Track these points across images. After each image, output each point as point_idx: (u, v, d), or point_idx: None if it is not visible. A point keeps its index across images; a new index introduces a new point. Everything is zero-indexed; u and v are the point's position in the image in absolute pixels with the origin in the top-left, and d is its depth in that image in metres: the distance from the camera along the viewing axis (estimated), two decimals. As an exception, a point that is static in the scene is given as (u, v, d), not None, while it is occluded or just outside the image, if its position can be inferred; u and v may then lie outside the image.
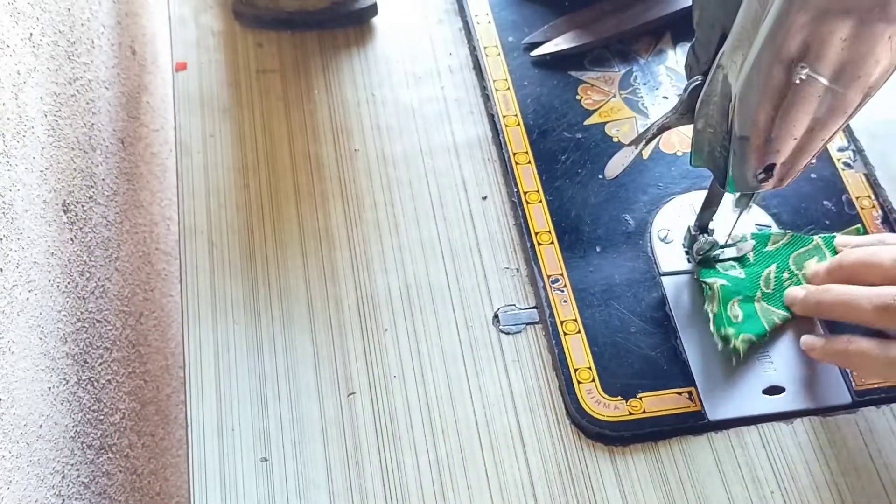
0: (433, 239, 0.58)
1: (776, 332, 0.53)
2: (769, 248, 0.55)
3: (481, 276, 0.56)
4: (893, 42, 0.37)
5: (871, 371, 0.50)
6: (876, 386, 0.52)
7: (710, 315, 0.53)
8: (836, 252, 0.55)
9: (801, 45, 0.37)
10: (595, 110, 0.63)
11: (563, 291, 0.54)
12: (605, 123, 0.62)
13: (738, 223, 0.54)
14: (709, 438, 0.50)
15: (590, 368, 0.52)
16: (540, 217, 0.57)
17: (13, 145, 0.48)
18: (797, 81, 0.38)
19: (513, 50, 0.66)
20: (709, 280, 0.54)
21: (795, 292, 0.53)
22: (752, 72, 0.39)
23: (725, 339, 0.52)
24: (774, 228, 0.57)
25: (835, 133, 0.43)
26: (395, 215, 0.59)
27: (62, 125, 0.56)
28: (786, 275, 0.54)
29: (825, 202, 0.59)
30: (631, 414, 0.50)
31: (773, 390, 0.51)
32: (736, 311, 0.53)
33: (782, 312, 0.53)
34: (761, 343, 0.52)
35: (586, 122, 0.62)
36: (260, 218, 0.58)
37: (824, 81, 0.38)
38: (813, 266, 0.54)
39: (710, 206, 0.53)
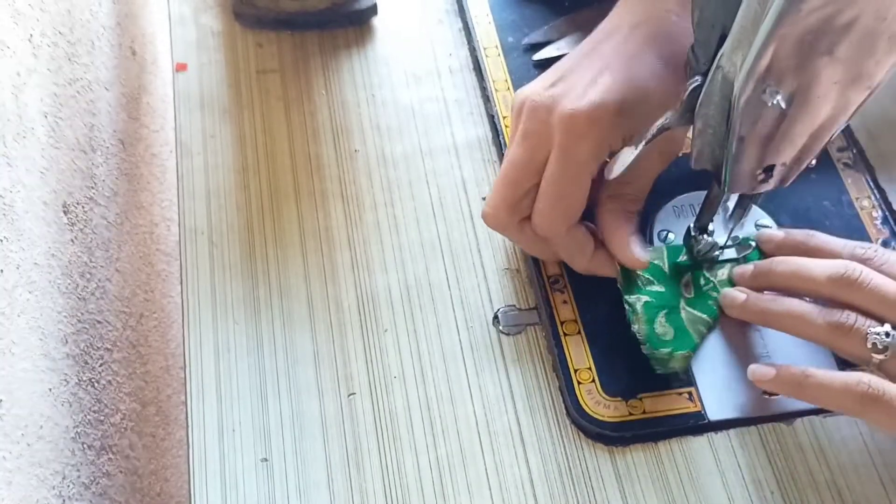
0: (433, 239, 0.58)
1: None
2: (682, 258, 0.54)
3: (481, 276, 0.56)
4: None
5: (830, 404, 0.47)
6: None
7: (640, 336, 0.52)
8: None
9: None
10: (595, 110, 0.63)
11: (563, 292, 0.54)
12: (605, 124, 0.62)
13: (737, 225, 0.54)
14: (709, 438, 0.50)
15: (590, 369, 0.52)
16: (540, 217, 0.57)
17: (13, 146, 0.48)
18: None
19: (513, 50, 0.66)
20: (630, 299, 0.52)
21: (733, 295, 0.52)
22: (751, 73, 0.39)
23: (663, 361, 0.51)
24: (774, 228, 0.57)
25: (835, 133, 0.43)
26: (395, 216, 0.59)
27: (62, 126, 0.56)
28: (702, 280, 0.54)
29: (825, 202, 0.59)
30: (631, 414, 0.50)
31: (773, 392, 0.51)
32: (664, 327, 0.52)
33: (706, 317, 0.52)
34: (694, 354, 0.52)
35: (586, 123, 0.62)
36: (260, 218, 0.58)
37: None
38: (738, 269, 0.53)
39: (710, 207, 0.53)
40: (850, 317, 0.46)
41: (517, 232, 0.53)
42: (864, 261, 0.49)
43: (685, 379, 0.52)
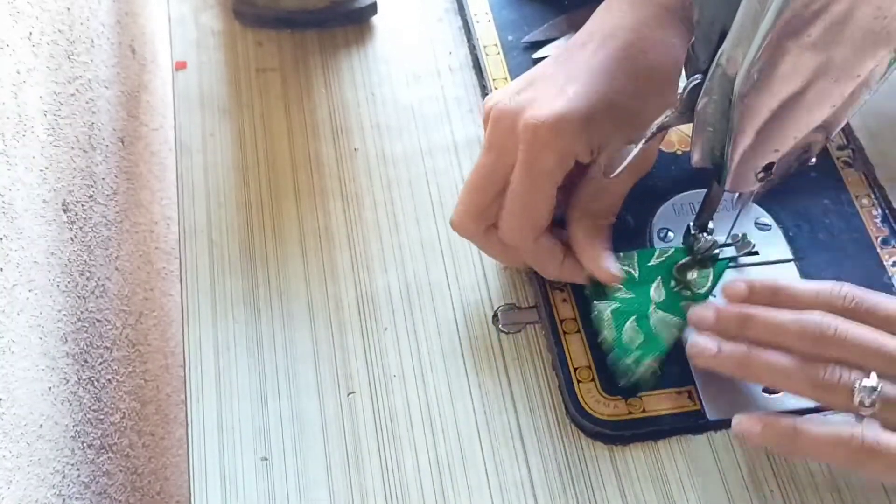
0: (433, 238, 0.58)
1: None
2: (653, 262, 0.53)
3: (481, 275, 0.56)
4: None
5: (822, 459, 0.46)
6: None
7: (606, 345, 0.51)
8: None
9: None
10: (595, 109, 0.63)
11: (562, 290, 0.54)
12: (605, 122, 0.62)
13: (736, 222, 0.54)
14: (709, 438, 0.50)
15: (589, 367, 0.52)
16: (540, 216, 0.57)
17: (13, 144, 0.48)
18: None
19: (512, 49, 0.66)
20: (600, 306, 0.52)
21: (703, 345, 0.48)
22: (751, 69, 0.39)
23: (627, 370, 0.50)
24: (774, 228, 0.57)
25: (835, 132, 0.43)
26: (394, 214, 0.59)
27: (62, 124, 0.56)
28: (672, 283, 0.53)
29: (825, 201, 0.59)
30: (631, 413, 0.50)
31: (774, 390, 0.51)
32: (632, 333, 0.51)
33: (678, 319, 0.52)
34: (662, 360, 0.51)
35: (586, 121, 0.62)
36: (260, 217, 0.58)
37: None
38: (698, 312, 0.50)
39: (710, 206, 0.53)
40: (833, 372, 0.44)
41: (483, 239, 0.52)
42: (837, 307, 0.47)
43: (686, 378, 0.51)
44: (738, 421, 0.46)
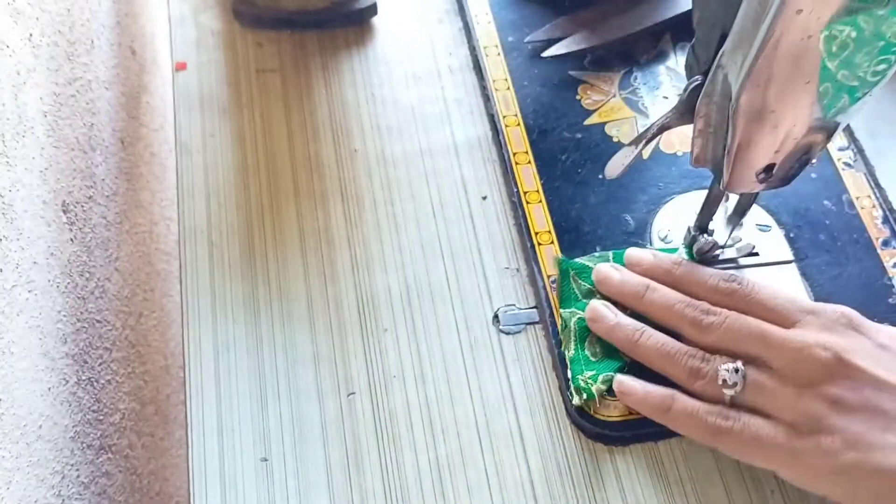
0: (433, 239, 0.58)
1: None
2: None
3: (481, 276, 0.56)
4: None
5: (688, 434, 0.48)
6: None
7: (566, 359, 0.51)
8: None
9: None
10: (595, 110, 0.63)
11: (563, 291, 0.54)
12: (605, 123, 0.62)
13: (736, 224, 0.54)
14: (709, 438, 0.50)
15: (590, 368, 0.51)
16: (540, 217, 0.57)
17: (13, 145, 0.48)
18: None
19: (513, 50, 0.66)
20: (564, 314, 0.52)
21: (603, 313, 0.51)
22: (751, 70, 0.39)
23: (583, 390, 0.49)
24: (775, 229, 0.57)
25: (835, 132, 0.43)
26: (395, 215, 0.59)
27: (62, 125, 0.56)
28: None
29: (825, 202, 0.59)
30: (631, 414, 0.50)
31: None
32: (593, 347, 0.51)
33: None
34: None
35: (586, 122, 0.62)
36: (260, 218, 0.58)
37: None
38: (602, 270, 0.52)
39: (710, 207, 0.53)
40: (705, 362, 0.47)
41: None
42: (727, 294, 0.49)
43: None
44: (620, 380, 0.49)
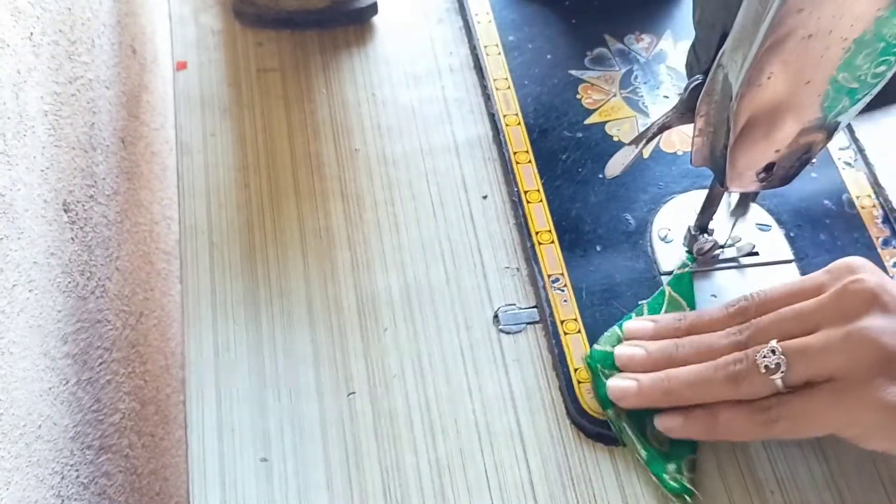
0: (433, 238, 0.58)
1: None
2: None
3: (481, 275, 0.56)
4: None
5: (746, 437, 0.47)
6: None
7: (644, 462, 0.49)
8: (671, 303, 0.52)
9: None
10: (595, 109, 0.63)
11: (563, 291, 0.54)
12: (606, 123, 0.62)
13: (736, 224, 0.54)
14: (709, 438, 0.50)
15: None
16: (540, 216, 0.57)
17: (13, 144, 0.48)
18: None
19: (513, 49, 0.66)
20: (611, 415, 0.49)
21: (624, 386, 0.48)
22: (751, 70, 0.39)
23: (678, 489, 0.48)
24: (775, 229, 0.57)
25: (835, 132, 0.43)
26: (395, 215, 0.59)
27: (62, 124, 0.56)
28: None
29: (825, 202, 0.58)
30: (631, 414, 0.50)
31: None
32: (657, 439, 0.49)
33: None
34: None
35: (587, 122, 0.62)
36: (260, 217, 0.58)
37: None
38: (622, 352, 0.50)
39: (710, 206, 0.53)
40: (740, 363, 0.45)
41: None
42: (742, 313, 0.48)
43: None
44: (660, 420, 0.48)
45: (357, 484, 0.49)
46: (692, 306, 0.53)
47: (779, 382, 0.44)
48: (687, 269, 0.54)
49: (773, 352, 0.44)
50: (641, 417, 0.49)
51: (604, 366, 0.50)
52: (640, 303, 0.53)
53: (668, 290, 0.53)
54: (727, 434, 0.47)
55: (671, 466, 0.48)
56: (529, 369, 0.53)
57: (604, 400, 0.49)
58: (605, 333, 0.52)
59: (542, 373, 0.52)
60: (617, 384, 0.49)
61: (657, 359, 0.49)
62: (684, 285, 0.53)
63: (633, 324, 0.51)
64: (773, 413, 0.44)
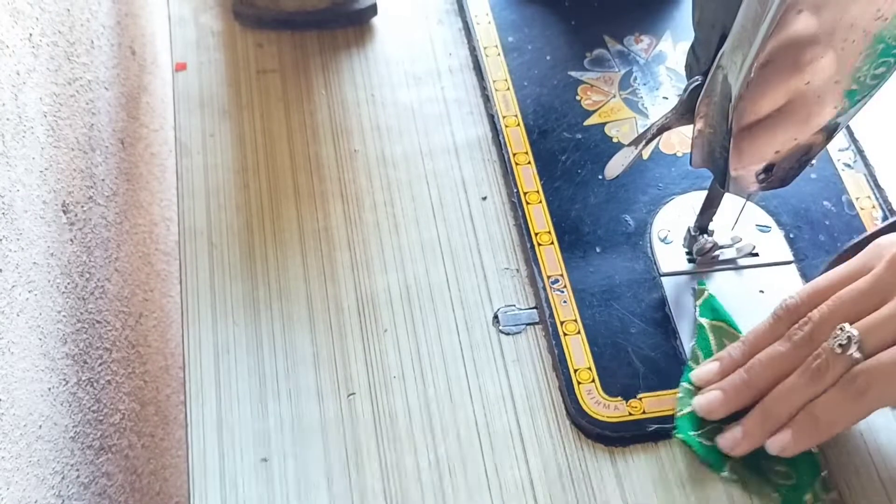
0: (433, 239, 0.58)
1: None
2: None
3: (481, 276, 0.56)
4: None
5: (847, 421, 0.46)
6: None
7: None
8: (715, 333, 0.52)
9: None
10: (595, 111, 0.63)
11: (563, 292, 0.54)
12: (605, 124, 0.62)
13: (738, 221, 0.54)
14: (709, 439, 0.50)
15: (590, 369, 0.51)
16: (540, 217, 0.57)
17: (13, 146, 0.48)
18: None
19: (513, 50, 0.66)
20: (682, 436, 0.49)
21: (732, 437, 0.48)
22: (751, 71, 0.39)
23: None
24: (774, 230, 0.57)
25: (836, 133, 0.43)
26: (394, 216, 0.59)
27: (62, 125, 0.56)
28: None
29: (825, 202, 0.59)
30: (631, 414, 0.50)
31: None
32: (777, 465, 0.49)
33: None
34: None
35: (586, 123, 0.62)
36: (260, 218, 0.58)
37: None
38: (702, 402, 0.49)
39: (710, 207, 0.53)
40: (818, 357, 0.45)
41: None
42: (793, 311, 0.48)
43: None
44: (769, 445, 0.47)
45: (357, 484, 0.49)
46: (733, 324, 0.52)
47: (857, 354, 0.44)
48: (707, 293, 0.54)
49: (841, 329, 0.44)
50: (757, 462, 0.48)
51: (694, 429, 0.49)
52: (690, 345, 0.52)
53: (703, 322, 0.53)
54: (831, 427, 0.46)
55: (807, 497, 0.47)
56: (529, 370, 0.53)
57: (715, 463, 0.48)
58: (678, 397, 0.50)
59: (542, 373, 0.52)
60: (702, 403, 0.49)
61: (736, 393, 0.48)
62: (715, 309, 0.53)
63: (699, 372, 0.50)
64: (860, 382, 0.43)
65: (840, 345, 0.44)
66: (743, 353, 0.49)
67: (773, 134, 0.43)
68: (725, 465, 0.48)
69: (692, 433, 0.49)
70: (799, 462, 0.48)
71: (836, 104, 0.41)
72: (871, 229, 0.57)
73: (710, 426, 0.49)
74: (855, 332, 0.44)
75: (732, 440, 0.48)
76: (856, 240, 0.50)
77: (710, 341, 0.52)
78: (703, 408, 0.49)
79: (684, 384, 0.50)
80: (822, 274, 0.49)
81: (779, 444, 0.46)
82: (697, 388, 0.50)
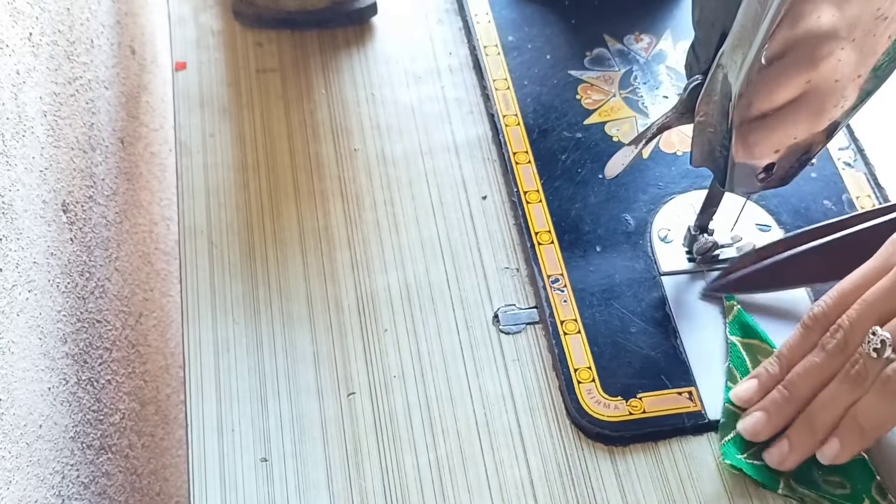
0: (433, 238, 0.58)
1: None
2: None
3: (481, 275, 0.56)
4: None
5: (891, 420, 0.46)
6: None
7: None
8: (748, 351, 0.52)
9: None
10: (595, 110, 0.63)
11: (563, 291, 0.54)
12: (605, 123, 0.62)
13: (738, 220, 0.54)
14: (709, 438, 0.50)
15: (590, 368, 0.51)
16: (540, 217, 0.57)
17: (13, 145, 0.48)
18: None
19: (513, 49, 0.66)
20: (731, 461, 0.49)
21: (777, 452, 0.48)
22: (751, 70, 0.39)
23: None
24: (774, 229, 0.57)
25: (836, 132, 0.43)
26: (394, 215, 0.59)
27: (62, 125, 0.56)
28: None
29: (825, 202, 0.59)
30: (631, 414, 0.50)
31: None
32: (833, 475, 0.48)
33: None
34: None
35: (586, 122, 0.62)
36: (260, 217, 0.58)
37: None
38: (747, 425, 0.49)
39: (710, 206, 0.53)
40: (855, 363, 0.45)
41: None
42: (822, 318, 0.47)
43: (686, 378, 0.51)
44: (821, 454, 0.47)
45: (357, 484, 0.49)
46: (766, 338, 0.52)
47: (894, 355, 0.43)
48: (737, 309, 0.53)
49: (874, 333, 0.44)
50: (810, 475, 0.48)
51: (741, 452, 0.49)
52: (726, 365, 0.52)
53: (735, 340, 0.52)
54: (876, 429, 0.45)
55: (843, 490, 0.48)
56: (529, 369, 0.53)
57: (769, 482, 0.48)
58: (720, 422, 0.50)
59: (542, 373, 0.52)
60: (748, 426, 0.49)
61: (778, 411, 0.48)
62: (746, 325, 0.53)
63: (738, 391, 0.50)
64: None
65: (874, 349, 0.44)
66: (780, 367, 0.49)
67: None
68: (780, 483, 0.48)
69: (739, 456, 0.49)
70: (851, 469, 0.48)
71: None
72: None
73: (756, 447, 0.49)
74: (888, 336, 0.43)
75: (780, 454, 0.48)
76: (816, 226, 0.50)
77: (745, 360, 0.52)
78: (749, 430, 0.49)
79: (726, 405, 0.50)
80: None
81: (830, 453, 0.46)
82: (738, 408, 0.50)
